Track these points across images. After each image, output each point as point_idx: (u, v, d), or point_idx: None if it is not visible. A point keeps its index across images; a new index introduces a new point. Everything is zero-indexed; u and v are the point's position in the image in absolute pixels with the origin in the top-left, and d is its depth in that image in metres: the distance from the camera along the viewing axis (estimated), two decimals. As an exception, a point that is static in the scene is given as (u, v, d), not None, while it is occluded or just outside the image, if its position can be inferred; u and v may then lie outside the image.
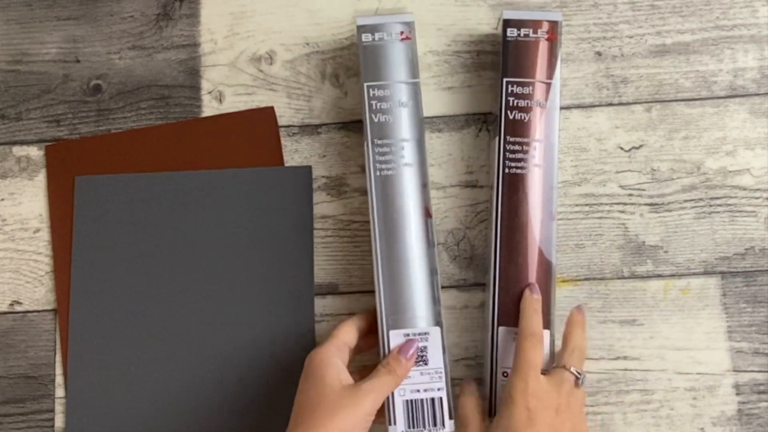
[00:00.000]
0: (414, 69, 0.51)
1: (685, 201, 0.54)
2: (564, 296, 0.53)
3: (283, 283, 0.53)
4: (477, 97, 0.55)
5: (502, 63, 0.51)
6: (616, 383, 0.52)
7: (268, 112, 0.56)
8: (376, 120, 0.50)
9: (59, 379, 0.53)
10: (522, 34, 0.51)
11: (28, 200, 0.56)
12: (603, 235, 0.54)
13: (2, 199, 0.56)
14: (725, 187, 0.54)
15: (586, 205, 0.54)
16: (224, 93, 0.56)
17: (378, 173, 0.49)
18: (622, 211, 0.54)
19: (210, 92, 0.56)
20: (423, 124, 0.50)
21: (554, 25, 0.51)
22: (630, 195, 0.54)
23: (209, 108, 0.56)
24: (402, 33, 0.51)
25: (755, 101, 0.55)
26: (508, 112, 0.50)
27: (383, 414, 0.47)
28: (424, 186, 0.49)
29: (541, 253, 0.49)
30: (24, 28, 0.58)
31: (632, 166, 0.54)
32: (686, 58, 0.55)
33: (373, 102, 0.50)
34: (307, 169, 0.55)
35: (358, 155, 0.55)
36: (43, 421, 0.53)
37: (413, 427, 0.47)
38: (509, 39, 0.51)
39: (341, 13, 0.57)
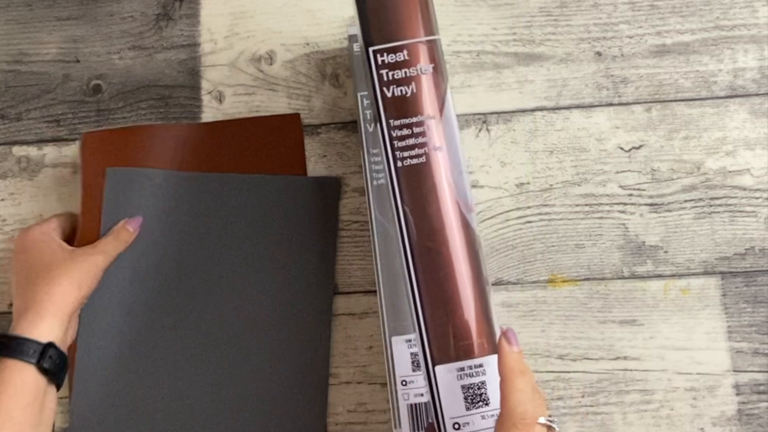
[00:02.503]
0: None
1: (685, 201, 0.54)
2: (564, 296, 0.53)
3: (303, 296, 0.52)
4: (477, 97, 0.55)
5: (361, 28, 0.41)
6: (616, 383, 0.52)
7: (293, 119, 0.55)
8: (371, 129, 0.50)
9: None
10: None
11: (28, 200, 0.55)
12: (603, 235, 0.54)
13: (2, 199, 0.56)
14: (725, 187, 0.54)
15: (586, 205, 0.54)
16: (224, 93, 0.56)
17: (374, 182, 0.49)
18: (622, 211, 0.54)
19: (210, 92, 0.56)
20: None
21: None
22: (630, 195, 0.54)
23: (209, 108, 0.56)
24: None
25: (755, 101, 0.55)
26: (384, 89, 0.40)
27: None
28: None
29: (469, 263, 0.39)
30: (24, 28, 0.58)
31: (632, 166, 0.54)
32: (686, 58, 0.55)
33: (368, 111, 0.50)
34: (336, 181, 0.54)
35: (358, 155, 0.55)
36: (43, 421, 0.53)
37: (418, 430, 0.47)
38: (357, 53, 0.43)
39: (341, 13, 0.57)
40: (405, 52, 0.40)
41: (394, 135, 0.40)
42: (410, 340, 0.48)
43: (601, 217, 0.54)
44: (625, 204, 0.54)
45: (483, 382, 0.39)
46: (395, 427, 0.47)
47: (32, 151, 0.56)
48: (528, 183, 0.54)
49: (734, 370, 0.52)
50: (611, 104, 0.55)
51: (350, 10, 0.57)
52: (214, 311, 0.52)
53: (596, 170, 0.54)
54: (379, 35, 0.40)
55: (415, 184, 0.39)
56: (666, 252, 0.53)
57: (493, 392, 0.38)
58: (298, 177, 0.54)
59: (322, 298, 0.52)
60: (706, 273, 0.53)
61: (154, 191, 0.53)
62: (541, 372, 0.52)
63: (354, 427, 0.52)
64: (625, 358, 0.52)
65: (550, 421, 0.36)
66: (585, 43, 0.56)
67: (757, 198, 0.53)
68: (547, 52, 0.56)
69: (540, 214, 0.54)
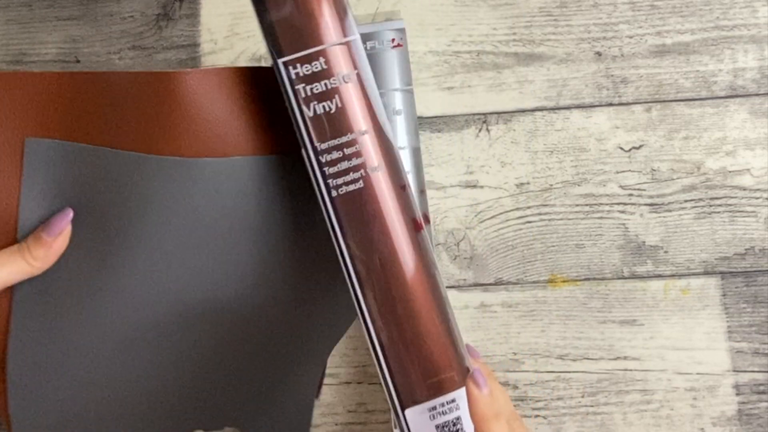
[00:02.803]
0: (407, 76, 0.51)
1: (685, 201, 0.54)
2: (564, 296, 0.53)
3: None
4: (477, 97, 0.55)
5: (266, 38, 0.34)
6: (616, 383, 0.52)
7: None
8: None
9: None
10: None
11: None
12: (603, 235, 0.54)
13: (2, 199, 0.56)
14: (725, 187, 0.54)
15: (586, 205, 0.54)
16: (224, 93, 0.56)
17: None
18: (622, 211, 0.54)
19: (210, 92, 0.56)
20: (418, 130, 0.50)
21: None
22: (630, 195, 0.54)
23: (209, 108, 0.56)
24: (393, 40, 0.51)
25: (755, 101, 0.55)
26: (304, 107, 0.34)
27: None
28: (422, 192, 0.49)
29: (429, 292, 0.35)
30: (24, 28, 0.58)
31: (632, 166, 0.54)
32: (686, 58, 0.55)
33: None
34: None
35: (358, 155, 0.55)
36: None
37: None
38: None
39: (341, 13, 0.57)
40: (321, 60, 0.34)
41: (324, 160, 0.34)
42: None
43: (601, 217, 0.54)
44: (625, 204, 0.54)
45: (458, 418, 0.36)
46: (395, 427, 0.47)
47: (32, 151, 0.56)
48: (528, 183, 0.54)
49: (734, 370, 0.52)
50: (611, 104, 0.55)
51: (350, 11, 0.57)
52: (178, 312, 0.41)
53: (596, 170, 0.54)
54: (288, 43, 0.34)
55: (355, 213, 0.34)
56: (666, 252, 0.53)
57: (470, 425, 0.36)
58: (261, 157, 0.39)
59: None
60: (706, 273, 0.53)
61: (87, 172, 0.39)
62: (541, 372, 0.52)
63: (354, 427, 0.52)
64: (625, 358, 0.52)
65: None
66: (585, 43, 0.56)
67: (757, 198, 0.53)
68: (547, 52, 0.56)
69: (540, 214, 0.54)
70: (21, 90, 0.38)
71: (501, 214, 0.54)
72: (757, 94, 0.55)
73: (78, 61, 0.57)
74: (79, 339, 0.40)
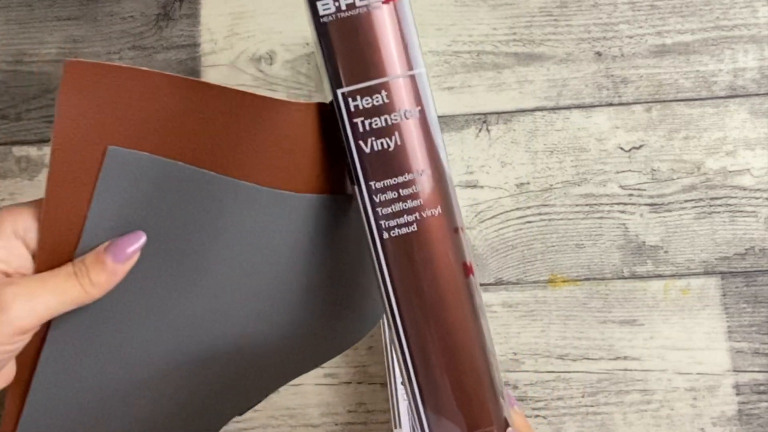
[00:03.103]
0: None
1: (685, 201, 0.54)
2: (564, 296, 0.53)
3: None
4: (477, 97, 0.55)
5: (326, 65, 0.32)
6: (616, 383, 0.52)
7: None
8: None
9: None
10: (343, 6, 0.31)
11: (28, 201, 0.55)
12: (603, 235, 0.54)
13: (2, 199, 0.56)
14: (725, 187, 0.54)
15: (586, 205, 0.54)
16: (224, 93, 0.56)
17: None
18: (623, 212, 0.54)
19: (210, 92, 0.56)
20: None
21: None
22: (630, 195, 0.54)
23: (209, 108, 0.56)
24: None
25: (755, 101, 0.55)
26: (361, 143, 0.32)
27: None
28: None
29: (467, 329, 0.33)
30: (24, 28, 0.58)
31: (632, 166, 0.54)
32: (686, 58, 0.55)
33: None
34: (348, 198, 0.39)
35: (358, 155, 0.55)
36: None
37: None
38: (324, 19, 0.31)
39: (341, 13, 0.57)
40: (384, 93, 0.31)
41: (377, 200, 0.32)
42: None
43: (601, 217, 0.54)
44: (625, 204, 0.54)
45: None
46: (395, 427, 0.47)
47: (32, 151, 0.56)
48: (528, 183, 0.54)
49: (734, 370, 0.52)
50: (611, 104, 0.55)
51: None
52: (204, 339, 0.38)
53: (596, 170, 0.54)
54: (349, 73, 0.31)
55: (406, 257, 0.32)
56: (666, 252, 0.53)
57: None
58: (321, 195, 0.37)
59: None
60: (706, 273, 0.53)
61: (165, 187, 0.34)
62: (541, 372, 0.52)
63: (354, 427, 0.52)
64: (625, 358, 0.52)
65: None
66: (585, 43, 0.56)
67: (757, 198, 0.53)
68: (547, 52, 0.56)
69: (540, 214, 0.54)
70: (117, 87, 0.32)
71: (501, 214, 0.54)
72: (757, 94, 0.55)
73: (78, 61, 0.57)
74: (112, 375, 0.37)
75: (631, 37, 0.56)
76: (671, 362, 0.52)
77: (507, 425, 0.33)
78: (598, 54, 0.56)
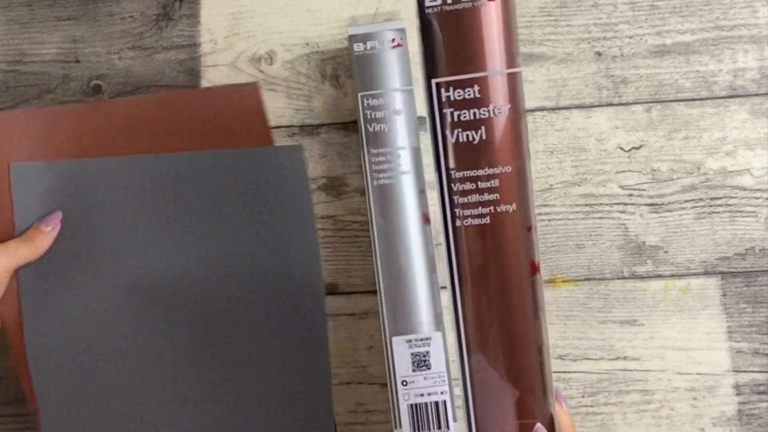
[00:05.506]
0: (407, 76, 0.51)
1: (685, 201, 0.54)
2: (564, 296, 0.53)
3: (288, 277, 0.50)
4: (477, 97, 0.55)
5: (423, 54, 0.38)
6: (616, 383, 0.52)
7: (251, 87, 0.52)
8: (371, 129, 0.50)
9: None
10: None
11: None
12: (603, 235, 0.54)
13: (2, 199, 0.56)
14: (725, 187, 0.54)
15: (586, 205, 0.54)
16: (224, 93, 0.56)
17: (375, 182, 0.49)
18: (622, 212, 0.54)
19: (210, 92, 0.56)
20: (418, 131, 0.50)
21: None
22: (630, 195, 0.54)
23: (209, 108, 0.56)
24: (394, 41, 0.51)
25: (755, 101, 0.55)
26: (447, 132, 0.36)
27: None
28: (422, 192, 0.49)
29: (529, 326, 0.35)
30: (24, 28, 0.58)
31: (632, 166, 0.54)
32: (686, 58, 0.55)
33: (368, 111, 0.50)
34: (298, 148, 0.51)
35: (358, 156, 0.55)
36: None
37: (418, 430, 0.47)
38: (429, 9, 0.35)
39: (341, 13, 0.57)
40: (476, 87, 0.33)
41: (455, 189, 0.34)
42: (410, 341, 0.48)
43: (601, 217, 0.54)
44: (625, 204, 0.54)
45: None
46: (395, 428, 0.47)
47: (32, 151, 0.56)
48: (528, 183, 0.54)
49: (734, 370, 0.52)
50: (611, 104, 0.55)
51: (350, 11, 0.57)
52: (183, 307, 0.49)
53: (596, 170, 0.54)
54: (445, 64, 0.33)
55: (475, 248, 0.34)
56: (666, 252, 0.53)
57: None
58: (255, 149, 0.50)
59: (310, 273, 0.50)
60: (706, 273, 0.53)
61: (75, 186, 0.49)
62: (541, 372, 0.52)
63: (354, 427, 0.52)
64: (625, 358, 0.52)
65: None
66: (585, 43, 0.56)
67: (757, 198, 0.53)
68: (547, 52, 0.56)
69: (540, 214, 0.54)
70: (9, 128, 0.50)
71: (501, 214, 0.54)
72: (757, 94, 0.55)
73: (78, 61, 0.57)
74: (83, 306, 0.48)
75: (631, 37, 0.56)
76: (671, 362, 0.52)
77: (552, 421, 0.34)
78: (598, 54, 0.56)
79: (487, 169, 0.33)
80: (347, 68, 0.56)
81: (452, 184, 0.34)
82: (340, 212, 0.54)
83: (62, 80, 0.57)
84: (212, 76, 0.56)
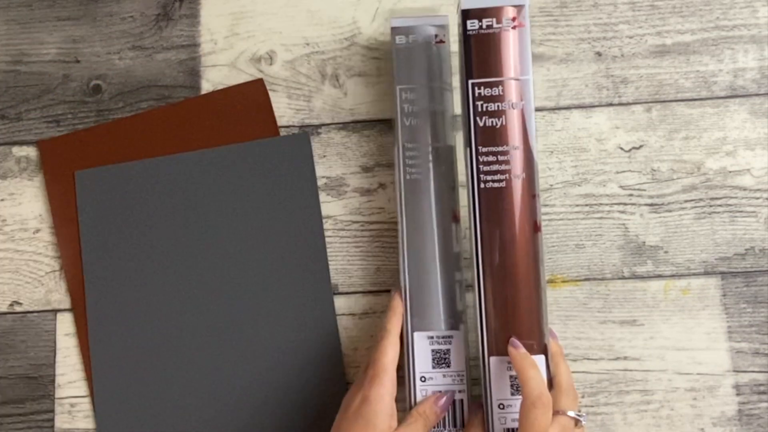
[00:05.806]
0: (446, 72, 0.50)
1: (686, 201, 0.54)
2: (564, 296, 0.53)
3: (296, 261, 0.53)
4: (477, 97, 0.55)
5: (464, 63, 0.46)
6: (616, 383, 0.52)
7: (257, 84, 0.56)
8: (407, 123, 0.50)
9: (60, 380, 0.53)
10: (485, 26, 0.45)
11: (28, 200, 0.56)
12: (603, 235, 0.54)
13: (2, 200, 0.56)
14: (725, 187, 0.54)
15: (586, 205, 0.54)
16: (224, 93, 0.56)
17: (407, 176, 0.49)
18: (623, 212, 0.54)
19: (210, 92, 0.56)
20: (453, 128, 0.50)
21: (520, 10, 0.45)
22: (630, 195, 0.54)
23: (209, 108, 0.56)
24: (437, 36, 0.51)
25: (755, 101, 0.55)
26: (477, 118, 0.45)
27: None
28: (452, 189, 0.49)
29: (528, 269, 0.45)
30: (24, 28, 0.58)
31: (632, 166, 0.54)
32: (686, 59, 0.55)
33: (405, 105, 0.50)
34: (305, 135, 0.55)
35: (359, 155, 0.55)
36: (43, 421, 0.53)
37: (434, 427, 0.47)
38: (470, 32, 0.45)
39: (341, 13, 0.57)
40: (500, 87, 0.45)
41: (481, 160, 0.45)
42: (432, 337, 0.48)
43: (601, 218, 0.54)
44: (625, 204, 0.54)
45: None
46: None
47: (32, 151, 0.56)
48: (528, 183, 0.54)
49: (734, 371, 0.52)
50: (611, 104, 0.55)
51: (350, 10, 0.57)
52: (214, 290, 0.53)
53: (596, 170, 0.54)
54: (478, 70, 0.45)
55: (493, 204, 0.45)
56: (666, 252, 0.53)
57: None
58: (266, 140, 0.55)
59: (316, 258, 0.53)
60: (706, 273, 0.53)
61: (127, 185, 0.55)
62: (541, 372, 0.52)
63: (354, 427, 0.52)
64: (625, 358, 0.52)
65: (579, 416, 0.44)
66: (585, 43, 0.56)
67: (757, 198, 0.53)
68: (547, 52, 0.56)
69: (540, 214, 0.54)
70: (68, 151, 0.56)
71: (501, 214, 0.54)
72: (757, 94, 0.55)
73: (78, 61, 0.57)
74: (139, 292, 0.54)
75: (631, 37, 0.56)
76: (671, 362, 0.52)
77: (545, 346, 0.45)
78: (598, 54, 0.56)
79: (504, 146, 0.45)
80: (347, 68, 0.56)
81: (479, 156, 0.45)
82: (340, 212, 0.54)
83: (62, 80, 0.57)
84: (212, 76, 0.56)
